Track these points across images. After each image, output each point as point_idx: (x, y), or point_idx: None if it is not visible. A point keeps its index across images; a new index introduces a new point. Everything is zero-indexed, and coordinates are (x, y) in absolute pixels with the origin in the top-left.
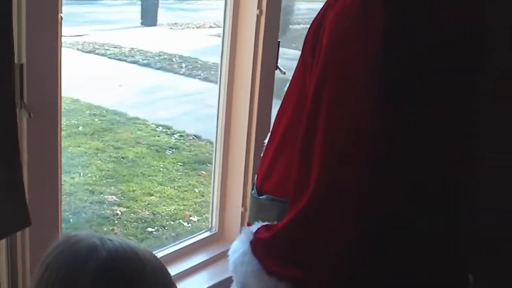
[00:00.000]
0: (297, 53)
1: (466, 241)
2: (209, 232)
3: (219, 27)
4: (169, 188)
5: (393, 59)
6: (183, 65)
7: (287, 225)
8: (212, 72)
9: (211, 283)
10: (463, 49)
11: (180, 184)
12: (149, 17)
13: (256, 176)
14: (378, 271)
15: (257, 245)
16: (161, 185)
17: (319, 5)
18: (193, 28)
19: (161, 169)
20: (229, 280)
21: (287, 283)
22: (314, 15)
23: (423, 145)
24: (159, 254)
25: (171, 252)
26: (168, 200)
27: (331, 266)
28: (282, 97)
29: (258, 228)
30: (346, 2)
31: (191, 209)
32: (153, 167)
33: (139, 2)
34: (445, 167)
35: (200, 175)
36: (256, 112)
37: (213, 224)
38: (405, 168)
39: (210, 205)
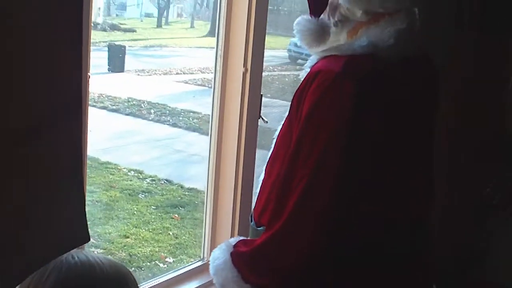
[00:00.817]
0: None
1: (428, 255)
2: (201, 261)
3: (185, 73)
4: (143, 230)
5: (359, 127)
6: (152, 111)
7: (262, 243)
8: (181, 118)
9: None
10: (414, 127)
11: (154, 226)
12: (116, 64)
13: (253, 210)
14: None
15: (236, 256)
16: (136, 227)
17: (280, 52)
18: (159, 74)
19: (135, 212)
20: None
21: None
22: (276, 62)
23: (383, 186)
24: (155, 282)
25: (166, 280)
26: (143, 242)
27: (294, 278)
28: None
29: (237, 242)
30: (319, 82)
31: (166, 251)
32: (127, 210)
33: (106, 49)
34: (404, 196)
35: (173, 218)
36: (243, 156)
37: (205, 255)
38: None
39: (202, 238)
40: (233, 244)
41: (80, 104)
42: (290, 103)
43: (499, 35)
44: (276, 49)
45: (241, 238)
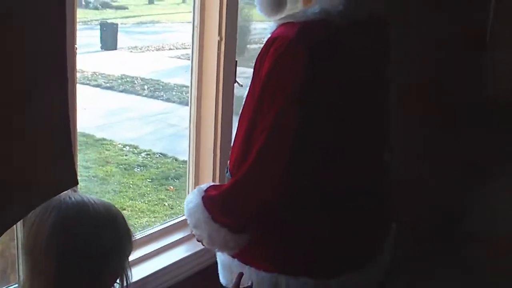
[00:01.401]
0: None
1: (388, 198)
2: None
3: (178, 49)
4: (140, 202)
5: (313, 90)
6: (146, 87)
7: (229, 187)
8: (174, 93)
9: (190, 252)
10: (368, 88)
11: (150, 198)
12: (109, 41)
13: (228, 162)
14: (302, 223)
15: (207, 200)
16: (132, 200)
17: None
18: (152, 50)
19: (131, 185)
20: (204, 251)
21: (226, 228)
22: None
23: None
24: (145, 233)
25: (155, 231)
26: (140, 213)
27: (255, 217)
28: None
29: (208, 187)
30: (276, 47)
31: (161, 221)
32: (123, 184)
33: (98, 27)
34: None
35: (168, 189)
36: (220, 118)
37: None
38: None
39: (186, 191)
40: (204, 189)
41: (64, 64)
42: None
43: None
44: (268, 21)
45: (212, 183)
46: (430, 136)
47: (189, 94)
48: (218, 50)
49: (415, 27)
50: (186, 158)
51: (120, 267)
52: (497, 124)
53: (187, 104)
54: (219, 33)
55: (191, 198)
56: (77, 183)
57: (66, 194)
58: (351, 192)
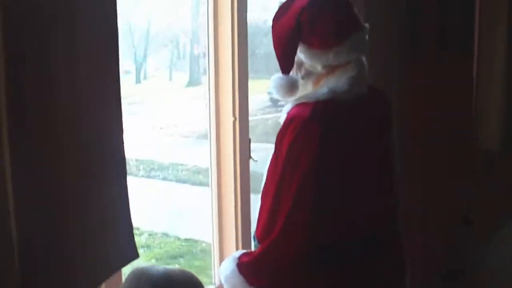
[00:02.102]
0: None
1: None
2: (213, 286)
3: (169, 127)
4: None
5: (327, 160)
6: (141, 167)
7: (260, 253)
8: (169, 171)
9: None
10: (374, 149)
11: None
12: None
13: (255, 230)
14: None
15: (241, 266)
16: None
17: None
18: (144, 130)
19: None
20: None
21: None
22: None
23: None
24: None
25: None
26: None
27: (286, 279)
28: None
29: (241, 254)
30: (293, 127)
31: None
32: (127, 268)
33: None
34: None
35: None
36: (240, 194)
37: (215, 280)
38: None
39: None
40: (238, 256)
41: (124, 159)
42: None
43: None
44: (259, 93)
45: (243, 251)
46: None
47: (209, 174)
48: (233, 129)
49: None
50: (188, 236)
51: None
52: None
53: (184, 182)
54: (233, 114)
55: (227, 265)
56: (138, 256)
57: (151, 266)
58: (370, 242)
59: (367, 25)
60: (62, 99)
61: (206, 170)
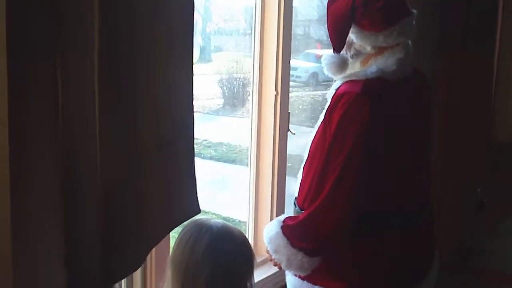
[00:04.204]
0: None
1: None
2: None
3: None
4: None
5: (375, 131)
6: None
7: (305, 217)
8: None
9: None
10: (414, 126)
11: None
12: None
13: (297, 197)
14: (365, 244)
15: (286, 228)
16: None
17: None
18: None
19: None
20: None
21: (302, 252)
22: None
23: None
24: None
25: None
26: None
27: (329, 243)
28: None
29: (285, 218)
30: (345, 100)
31: None
32: None
33: None
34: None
35: None
36: (277, 165)
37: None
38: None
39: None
40: (282, 219)
41: (193, 119)
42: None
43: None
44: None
45: (288, 215)
46: None
47: (249, 150)
48: (275, 103)
49: None
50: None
51: (253, 278)
52: None
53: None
54: (275, 88)
55: (271, 227)
56: (200, 211)
57: (211, 218)
58: (406, 215)
59: (414, 11)
60: (146, 74)
61: (216, 144)
